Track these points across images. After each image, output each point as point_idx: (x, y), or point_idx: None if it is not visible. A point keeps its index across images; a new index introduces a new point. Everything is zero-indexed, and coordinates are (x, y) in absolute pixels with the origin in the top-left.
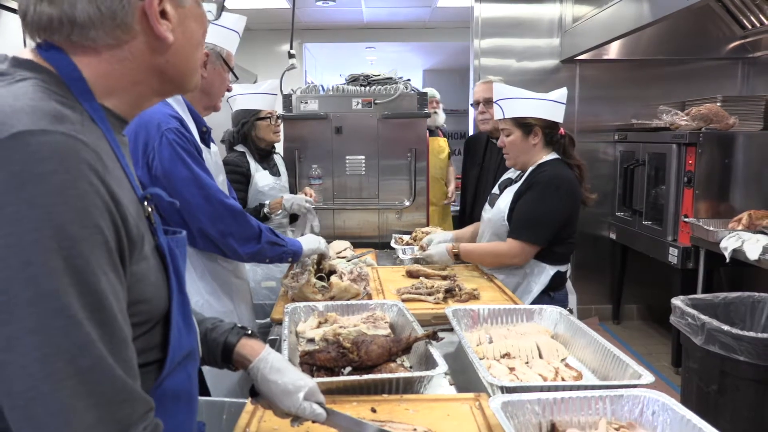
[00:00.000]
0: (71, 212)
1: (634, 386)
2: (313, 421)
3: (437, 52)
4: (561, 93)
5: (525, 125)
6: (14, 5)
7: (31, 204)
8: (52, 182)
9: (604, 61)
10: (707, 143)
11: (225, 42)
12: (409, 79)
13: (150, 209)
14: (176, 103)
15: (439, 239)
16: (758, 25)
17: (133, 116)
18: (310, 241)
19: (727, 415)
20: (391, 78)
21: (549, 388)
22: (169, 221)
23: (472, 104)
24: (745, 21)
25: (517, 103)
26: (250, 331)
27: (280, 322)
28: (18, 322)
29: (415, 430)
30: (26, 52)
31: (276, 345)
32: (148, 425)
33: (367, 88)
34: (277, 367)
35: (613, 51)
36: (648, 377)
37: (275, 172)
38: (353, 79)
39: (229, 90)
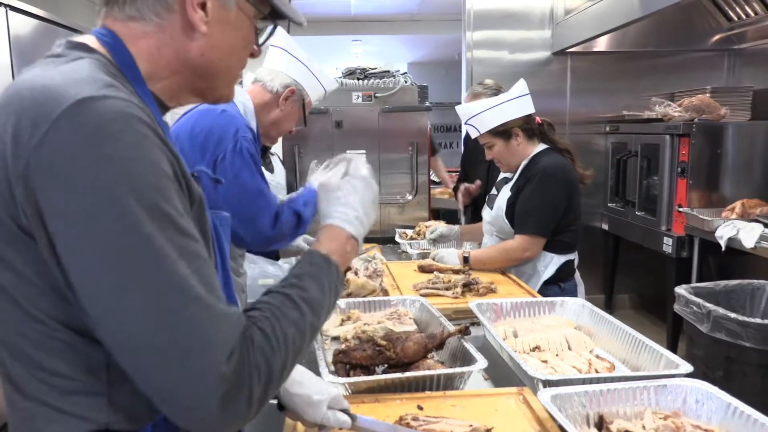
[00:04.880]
0: (149, 165)
1: (672, 376)
2: (340, 429)
3: (423, 44)
4: (521, 86)
5: (503, 132)
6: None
7: (111, 160)
8: (125, 140)
9: (593, 53)
10: (700, 134)
11: (312, 91)
12: (405, 72)
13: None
14: (251, 119)
15: (442, 231)
16: (744, 17)
17: (172, 105)
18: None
19: None
20: (388, 71)
21: (591, 381)
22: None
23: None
24: (731, 13)
25: (485, 116)
26: None
27: None
28: (126, 268)
29: (471, 425)
30: (83, 37)
31: None
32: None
33: (365, 81)
34: (299, 379)
35: (602, 43)
36: (686, 366)
37: (270, 169)
38: (350, 73)
39: (291, 132)
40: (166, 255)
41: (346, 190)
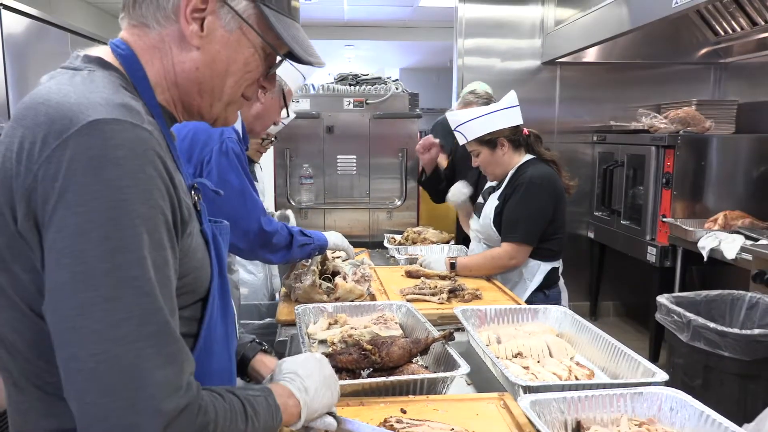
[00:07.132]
0: (142, 193)
1: (649, 384)
2: (326, 431)
3: (415, 50)
4: (510, 97)
5: (488, 141)
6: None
7: (109, 185)
8: (126, 167)
9: (582, 63)
10: (684, 146)
11: (290, 80)
12: (397, 79)
13: (197, 198)
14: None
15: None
16: (730, 31)
17: (179, 118)
18: (335, 237)
19: (711, 409)
20: (379, 78)
21: (571, 387)
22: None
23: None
24: (718, 27)
25: (473, 124)
26: (265, 347)
27: (286, 324)
28: (94, 290)
29: (452, 429)
30: (98, 50)
31: (288, 346)
32: (191, 382)
33: (357, 87)
34: None
35: (591, 54)
36: (662, 375)
37: (254, 179)
38: (342, 78)
39: (275, 124)
40: (140, 284)
41: (307, 368)
